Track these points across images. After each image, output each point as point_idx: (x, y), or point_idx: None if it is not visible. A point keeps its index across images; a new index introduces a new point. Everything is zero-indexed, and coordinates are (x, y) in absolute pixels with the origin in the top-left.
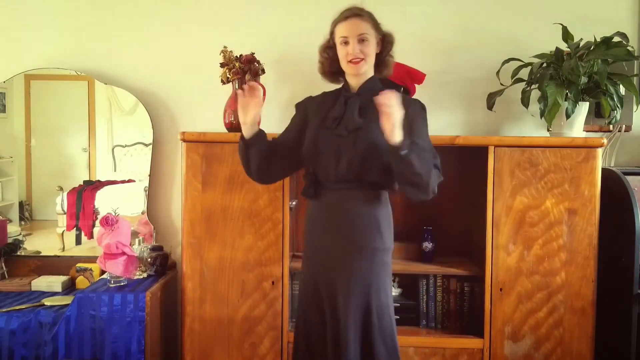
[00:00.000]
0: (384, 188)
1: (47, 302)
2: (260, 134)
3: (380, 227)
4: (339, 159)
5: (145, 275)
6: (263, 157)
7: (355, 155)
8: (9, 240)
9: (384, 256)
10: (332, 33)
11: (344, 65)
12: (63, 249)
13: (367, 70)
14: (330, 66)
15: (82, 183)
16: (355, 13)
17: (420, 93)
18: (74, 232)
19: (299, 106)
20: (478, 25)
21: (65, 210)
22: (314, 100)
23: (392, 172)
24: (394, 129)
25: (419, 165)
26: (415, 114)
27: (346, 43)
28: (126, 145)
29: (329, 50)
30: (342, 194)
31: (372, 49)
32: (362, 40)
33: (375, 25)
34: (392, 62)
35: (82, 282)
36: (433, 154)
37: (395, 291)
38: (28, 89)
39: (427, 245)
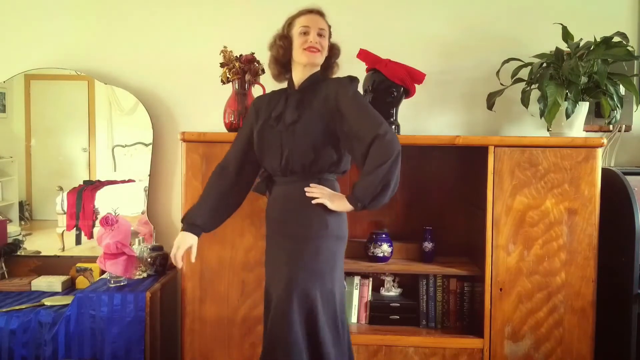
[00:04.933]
0: (332, 173)
1: (47, 302)
2: (197, 220)
3: (325, 215)
4: (282, 153)
5: (145, 275)
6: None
7: (295, 147)
8: (9, 240)
9: (330, 243)
10: (289, 25)
11: (298, 53)
12: (63, 249)
13: (319, 63)
14: (284, 56)
15: (82, 183)
16: (317, 10)
17: (420, 93)
18: (74, 232)
19: (251, 106)
20: (478, 25)
21: (65, 210)
22: (263, 99)
23: (337, 158)
24: (337, 207)
25: (375, 191)
26: (341, 91)
27: (306, 33)
28: (126, 145)
29: (284, 40)
30: (289, 187)
31: (327, 45)
32: (320, 34)
33: (330, 31)
34: (337, 70)
35: (82, 282)
36: (376, 121)
37: (395, 291)
38: (28, 89)
39: (427, 245)
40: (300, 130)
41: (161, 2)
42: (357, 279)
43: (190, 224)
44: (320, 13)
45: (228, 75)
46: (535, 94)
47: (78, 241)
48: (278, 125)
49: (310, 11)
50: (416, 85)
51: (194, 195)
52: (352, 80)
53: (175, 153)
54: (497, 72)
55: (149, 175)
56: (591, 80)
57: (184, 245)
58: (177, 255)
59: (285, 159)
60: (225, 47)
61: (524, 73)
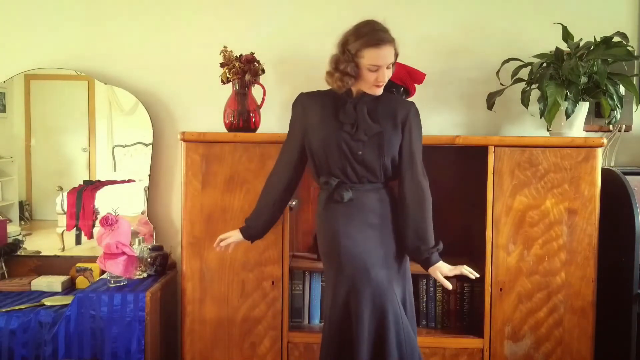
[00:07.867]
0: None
1: (47, 302)
2: (252, 231)
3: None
4: (371, 162)
5: (145, 275)
6: (279, 208)
7: (387, 158)
8: (9, 240)
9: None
10: (357, 51)
11: (366, 86)
12: (63, 249)
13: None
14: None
15: (82, 183)
16: (388, 40)
17: (420, 93)
18: (74, 232)
19: (296, 105)
20: (478, 26)
21: (65, 210)
22: (312, 99)
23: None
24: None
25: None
26: (412, 120)
27: (376, 71)
28: (126, 145)
29: (356, 70)
30: (372, 193)
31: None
32: (388, 67)
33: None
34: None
35: (82, 282)
36: (421, 167)
37: None
38: (28, 89)
39: None
40: (386, 141)
41: (161, 2)
42: None
43: (247, 230)
44: (390, 42)
45: (228, 75)
46: (535, 94)
47: (78, 241)
48: (356, 133)
49: (379, 43)
50: (416, 85)
51: (194, 195)
52: (418, 114)
53: (175, 153)
54: (497, 72)
55: (149, 175)
56: (591, 80)
57: (234, 239)
58: (223, 242)
59: (369, 166)
60: (225, 47)
61: (524, 73)
